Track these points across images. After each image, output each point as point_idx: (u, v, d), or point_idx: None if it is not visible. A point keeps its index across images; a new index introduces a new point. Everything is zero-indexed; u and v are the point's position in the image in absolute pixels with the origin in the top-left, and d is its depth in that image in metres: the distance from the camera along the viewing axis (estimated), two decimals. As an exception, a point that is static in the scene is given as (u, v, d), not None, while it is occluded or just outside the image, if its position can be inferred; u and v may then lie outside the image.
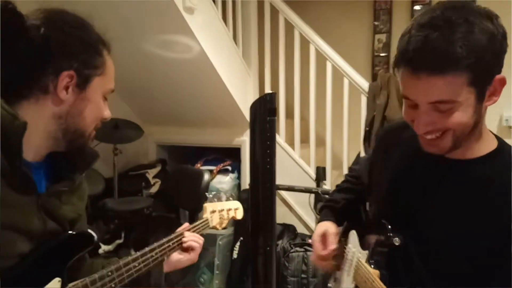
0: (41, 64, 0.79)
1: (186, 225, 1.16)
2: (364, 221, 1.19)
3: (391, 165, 1.02)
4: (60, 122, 0.82)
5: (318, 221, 1.20)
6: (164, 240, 1.07)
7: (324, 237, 1.12)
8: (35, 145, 0.82)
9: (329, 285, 1.22)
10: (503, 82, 0.80)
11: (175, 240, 1.10)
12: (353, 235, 1.12)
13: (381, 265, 0.96)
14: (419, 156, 0.89)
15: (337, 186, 1.30)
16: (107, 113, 0.90)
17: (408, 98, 0.82)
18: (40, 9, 0.82)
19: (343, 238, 1.16)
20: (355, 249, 1.08)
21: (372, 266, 0.97)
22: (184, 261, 1.13)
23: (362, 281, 0.98)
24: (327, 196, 2.51)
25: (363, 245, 1.06)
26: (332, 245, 1.08)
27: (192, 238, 1.13)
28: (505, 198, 0.82)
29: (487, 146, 0.88)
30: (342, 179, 1.33)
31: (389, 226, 0.94)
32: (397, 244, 0.91)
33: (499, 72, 0.79)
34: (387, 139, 1.07)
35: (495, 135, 0.91)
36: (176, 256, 1.11)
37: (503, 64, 0.79)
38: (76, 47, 0.81)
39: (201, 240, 1.16)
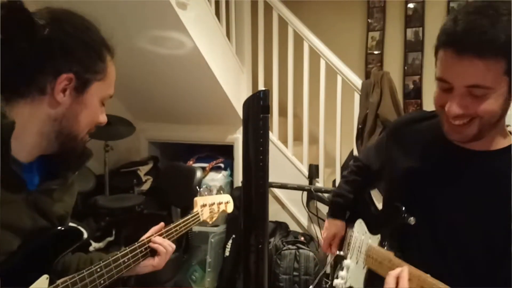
0: (41, 64, 0.77)
1: (161, 224, 1.10)
2: (372, 208, 1.22)
3: (407, 153, 1.03)
4: (55, 124, 0.81)
5: (329, 214, 1.31)
6: (156, 230, 1.06)
7: (332, 238, 1.25)
8: (27, 144, 0.81)
9: (336, 281, 1.24)
10: None
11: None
12: (359, 224, 1.14)
13: (394, 247, 0.98)
14: (437, 145, 0.92)
15: (343, 176, 1.34)
16: (102, 118, 0.89)
17: (446, 80, 0.83)
18: (47, 8, 0.81)
19: (348, 228, 1.24)
20: (363, 236, 1.09)
21: (386, 248, 0.99)
22: (146, 267, 1.04)
23: (377, 263, 1.00)
24: (319, 194, 2.52)
25: (373, 230, 1.09)
26: (334, 250, 1.24)
27: (160, 242, 1.05)
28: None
29: (504, 140, 0.90)
30: (334, 177, 1.36)
31: (404, 208, 0.95)
32: (412, 223, 0.92)
33: None
34: (400, 131, 1.08)
35: (510, 131, 0.93)
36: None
37: None
38: (78, 51, 0.80)
39: (170, 247, 1.07)
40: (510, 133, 0.93)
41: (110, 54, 0.86)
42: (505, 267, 0.83)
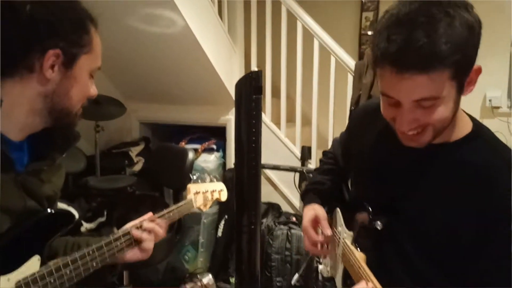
0: (27, 42, 0.77)
1: (149, 214, 1.07)
2: (347, 201, 1.19)
3: (369, 147, 1.01)
4: (46, 101, 0.81)
5: (304, 205, 1.18)
6: (144, 218, 1.05)
7: (315, 222, 1.10)
8: (18, 123, 0.80)
9: (320, 267, 1.23)
10: (479, 71, 0.80)
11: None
12: (338, 215, 1.11)
13: (366, 247, 0.96)
14: (397, 140, 0.89)
15: (316, 169, 1.29)
16: (93, 91, 0.89)
17: (390, 96, 0.80)
18: None
19: (329, 218, 1.16)
20: (340, 228, 1.08)
21: (358, 249, 0.97)
22: (132, 256, 1.00)
23: (349, 264, 0.98)
24: (311, 175, 2.54)
25: (348, 226, 1.06)
26: (327, 230, 1.06)
27: (151, 226, 1.01)
28: (480, 179, 0.83)
29: (462, 129, 0.88)
30: (321, 157, 1.31)
31: (370, 209, 0.94)
32: (379, 228, 0.91)
33: (475, 61, 0.80)
34: (364, 121, 1.06)
35: (470, 116, 0.92)
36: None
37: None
38: (62, 26, 0.79)
39: (159, 233, 1.02)
40: (471, 118, 0.91)
41: (94, 25, 0.85)
42: (472, 262, 0.83)
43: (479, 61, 0.81)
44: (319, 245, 1.08)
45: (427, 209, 0.88)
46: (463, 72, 0.77)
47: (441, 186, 0.87)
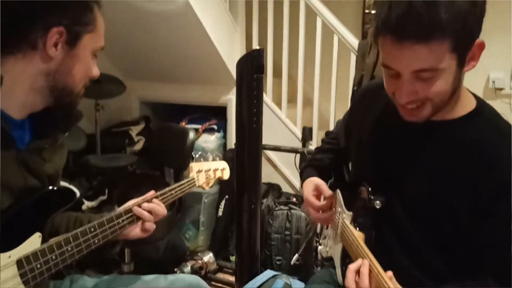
0: (31, 19, 0.76)
1: (151, 192, 1.07)
2: (347, 182, 1.20)
3: (370, 126, 1.01)
4: (48, 79, 0.81)
5: (302, 180, 1.19)
6: (147, 197, 1.05)
7: (316, 191, 1.11)
8: (20, 101, 0.80)
9: (320, 247, 1.24)
10: (482, 46, 0.79)
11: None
12: (338, 195, 1.12)
13: (365, 226, 0.96)
14: (398, 118, 0.89)
15: (316, 148, 1.29)
16: (95, 71, 0.88)
17: (390, 67, 0.80)
18: None
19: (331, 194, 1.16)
20: (340, 209, 1.08)
21: (357, 228, 0.97)
22: (134, 234, 1.01)
23: (347, 244, 0.99)
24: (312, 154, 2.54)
25: (348, 206, 1.06)
26: (327, 192, 1.08)
27: (151, 206, 1.01)
28: (481, 156, 0.83)
29: (465, 106, 0.88)
30: (323, 137, 1.31)
31: (370, 189, 0.94)
32: (378, 207, 0.91)
33: (478, 36, 0.79)
34: (365, 101, 1.06)
35: (474, 95, 0.91)
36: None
37: (482, 28, 0.78)
38: (66, 3, 0.79)
39: (160, 212, 1.02)
40: (475, 96, 0.91)
41: (98, 4, 0.84)
42: (471, 240, 0.83)
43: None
44: (322, 211, 1.10)
45: (426, 186, 0.88)
46: (464, 45, 0.77)
47: (440, 163, 0.87)
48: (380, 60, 0.84)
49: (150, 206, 1.02)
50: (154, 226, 1.02)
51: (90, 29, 0.83)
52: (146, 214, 1.00)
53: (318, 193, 1.11)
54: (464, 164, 0.84)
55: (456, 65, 0.78)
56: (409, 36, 0.73)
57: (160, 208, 1.03)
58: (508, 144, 0.82)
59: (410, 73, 0.78)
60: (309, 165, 1.21)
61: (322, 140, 1.30)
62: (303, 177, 1.19)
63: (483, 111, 0.88)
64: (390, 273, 0.76)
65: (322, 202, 1.09)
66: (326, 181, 1.17)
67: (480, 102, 0.90)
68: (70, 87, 0.84)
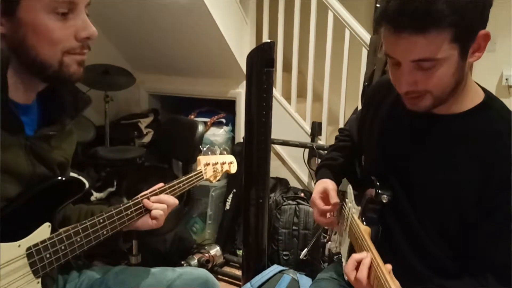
0: None
1: (160, 184, 1.06)
2: (358, 177, 1.19)
3: (380, 121, 1.02)
4: (18, 56, 0.73)
5: (316, 180, 1.19)
6: (156, 189, 1.05)
7: (324, 193, 1.11)
8: (16, 84, 0.77)
9: (329, 243, 1.23)
10: (487, 37, 0.79)
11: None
12: (349, 190, 1.12)
13: (372, 221, 0.96)
14: (406, 111, 0.90)
15: (330, 146, 1.29)
16: (81, 30, 0.74)
17: (391, 56, 0.81)
18: None
19: (341, 194, 1.16)
20: (350, 204, 1.08)
21: (364, 223, 0.97)
22: (145, 224, 1.00)
23: (354, 238, 0.99)
24: (321, 151, 2.52)
25: (357, 201, 1.06)
26: (334, 199, 1.07)
27: (158, 207, 1.00)
28: (487, 147, 0.83)
29: (473, 99, 0.88)
30: (337, 134, 1.32)
31: (378, 183, 0.94)
32: (384, 201, 0.92)
33: (484, 27, 0.78)
34: (376, 96, 1.07)
35: (483, 89, 0.91)
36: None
37: (488, 19, 0.78)
38: None
39: (173, 201, 1.03)
40: (483, 89, 0.90)
41: None
42: (475, 233, 0.84)
43: (497, 40, 0.78)
44: (327, 215, 1.09)
45: (431, 179, 0.88)
46: (466, 35, 0.76)
47: (446, 156, 0.87)
48: None
49: (161, 197, 1.02)
50: (162, 214, 1.00)
51: None
52: (155, 205, 1.00)
53: (325, 196, 1.11)
54: (469, 156, 0.84)
55: (459, 55, 0.78)
56: (405, 27, 0.75)
57: (169, 198, 1.03)
58: None
59: (409, 62, 0.79)
60: (324, 165, 1.21)
61: (336, 138, 1.30)
62: (317, 177, 1.19)
63: (491, 104, 0.88)
64: (389, 266, 0.76)
65: (329, 205, 1.08)
66: (340, 181, 1.18)
67: (489, 95, 0.90)
68: (39, 60, 0.73)
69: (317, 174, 1.20)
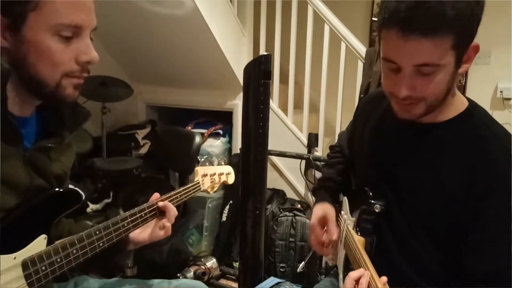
0: None
1: (156, 195, 1.07)
2: (352, 188, 1.20)
3: (369, 132, 1.04)
4: (17, 71, 0.74)
5: (315, 202, 1.19)
6: (153, 202, 1.05)
7: (323, 220, 1.11)
8: (14, 98, 0.77)
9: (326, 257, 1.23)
10: (476, 50, 0.81)
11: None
12: (345, 203, 1.12)
13: (367, 231, 0.97)
14: (394, 122, 0.92)
15: (324, 164, 1.31)
16: (84, 55, 0.75)
17: (392, 61, 0.81)
18: None
19: (337, 206, 1.17)
20: (345, 216, 1.08)
21: (359, 233, 0.98)
22: (141, 237, 1.02)
23: (349, 249, 0.99)
24: (318, 162, 2.52)
25: (353, 212, 1.07)
26: (334, 235, 1.07)
27: (174, 209, 1.04)
28: (473, 152, 0.84)
29: (456, 109, 0.90)
30: (328, 152, 1.34)
31: (371, 193, 0.96)
32: (377, 211, 0.93)
33: (473, 40, 0.80)
34: (367, 108, 1.08)
35: (467, 98, 0.93)
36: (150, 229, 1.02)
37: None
38: None
39: (173, 212, 1.04)
40: (467, 98, 0.93)
41: None
42: (466, 240, 0.84)
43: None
44: (325, 245, 1.10)
45: (420, 187, 0.90)
46: (464, 43, 0.79)
47: (433, 164, 0.88)
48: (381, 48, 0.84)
49: (165, 204, 1.02)
50: (167, 222, 1.01)
51: (31, 7, 0.70)
52: (171, 205, 1.01)
53: (324, 224, 1.11)
54: (455, 163, 0.86)
55: (454, 63, 0.80)
56: (416, 29, 0.75)
57: (173, 207, 1.04)
58: (499, 143, 0.84)
59: (411, 67, 0.79)
60: (323, 186, 1.21)
61: (328, 155, 1.32)
62: (316, 199, 1.19)
63: (474, 112, 0.90)
64: (384, 278, 0.76)
65: (325, 236, 1.10)
66: (339, 199, 1.19)
67: (472, 103, 0.92)
68: (37, 78, 0.74)
69: (316, 195, 1.20)
